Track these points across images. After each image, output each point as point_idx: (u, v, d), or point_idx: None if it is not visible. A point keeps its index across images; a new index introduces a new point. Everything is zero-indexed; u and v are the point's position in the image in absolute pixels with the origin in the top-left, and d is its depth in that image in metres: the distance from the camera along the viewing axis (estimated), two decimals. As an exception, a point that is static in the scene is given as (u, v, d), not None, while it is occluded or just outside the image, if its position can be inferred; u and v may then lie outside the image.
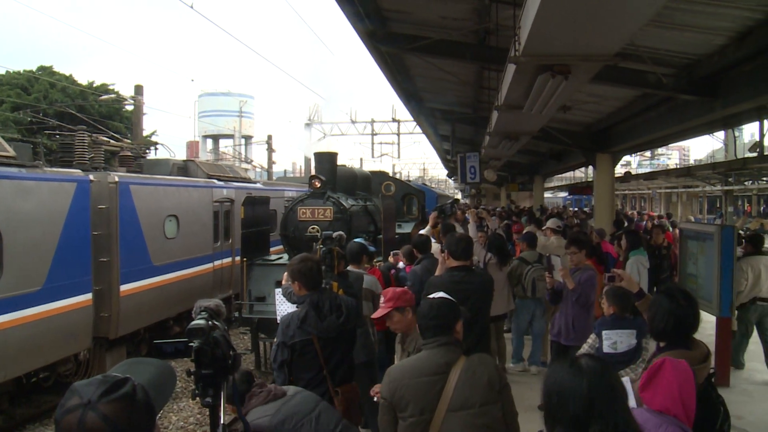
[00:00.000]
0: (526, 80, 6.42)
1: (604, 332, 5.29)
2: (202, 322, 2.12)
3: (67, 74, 32.76)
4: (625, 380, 3.85)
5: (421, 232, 9.89)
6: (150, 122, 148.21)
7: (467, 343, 4.06)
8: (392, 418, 3.50)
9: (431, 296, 3.86)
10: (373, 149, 41.90)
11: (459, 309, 3.75)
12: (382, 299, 4.73)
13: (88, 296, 10.51)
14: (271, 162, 40.04)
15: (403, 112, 34.57)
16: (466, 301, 5.40)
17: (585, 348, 5.52)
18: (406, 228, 14.86)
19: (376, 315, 4.76)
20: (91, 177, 10.86)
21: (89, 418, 1.50)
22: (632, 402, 3.68)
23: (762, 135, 18.58)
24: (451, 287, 5.42)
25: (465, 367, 3.45)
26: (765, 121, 15.39)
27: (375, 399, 3.88)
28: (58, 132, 15.30)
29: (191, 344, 2.04)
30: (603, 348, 5.24)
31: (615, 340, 5.18)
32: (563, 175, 43.90)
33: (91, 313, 10.61)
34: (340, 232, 7.07)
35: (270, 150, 39.87)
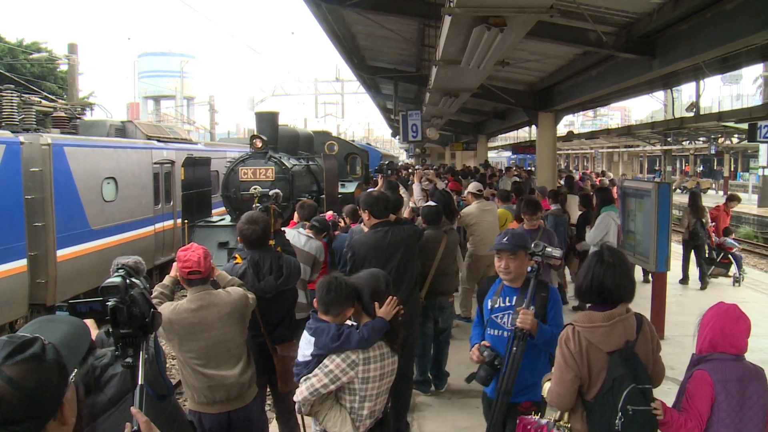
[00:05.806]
0: (462, 33, 6.36)
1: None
2: (117, 279, 2.04)
3: (-6, 31, 31.32)
4: None
5: (371, 191, 9.89)
6: (87, 83, 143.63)
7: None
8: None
9: (429, 204, 7.56)
10: (317, 109, 41.57)
11: (441, 211, 7.29)
12: None
13: (23, 262, 10.21)
14: (213, 123, 39.42)
15: (347, 72, 34.20)
16: (394, 254, 5.36)
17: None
18: (350, 188, 14.82)
19: None
20: (22, 138, 10.47)
21: None
22: None
23: (698, 95, 19.02)
24: (377, 243, 5.38)
25: (448, 237, 6.92)
26: (701, 81, 15.71)
27: None
28: (-17, 92, 14.63)
29: (108, 303, 1.96)
30: None
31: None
32: (507, 134, 44.26)
33: (26, 279, 10.33)
34: (277, 190, 6.98)
35: (212, 111, 39.19)
